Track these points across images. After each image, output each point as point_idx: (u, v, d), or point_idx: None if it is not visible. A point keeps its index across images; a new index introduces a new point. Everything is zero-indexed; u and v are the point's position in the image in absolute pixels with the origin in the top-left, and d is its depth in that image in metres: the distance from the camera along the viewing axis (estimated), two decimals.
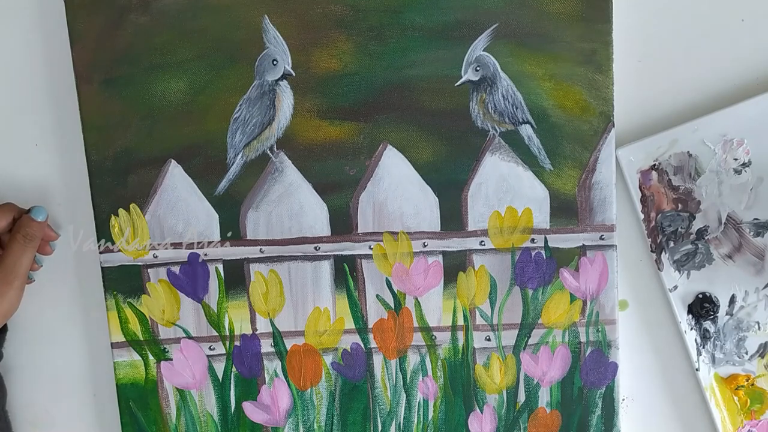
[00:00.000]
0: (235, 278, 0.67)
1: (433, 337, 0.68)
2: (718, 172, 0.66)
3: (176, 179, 0.66)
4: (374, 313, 0.68)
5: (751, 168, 0.66)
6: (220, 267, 0.67)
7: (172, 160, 0.65)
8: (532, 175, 0.66)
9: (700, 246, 0.67)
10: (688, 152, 0.66)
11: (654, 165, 0.66)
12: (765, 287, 0.67)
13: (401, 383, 0.68)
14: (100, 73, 0.64)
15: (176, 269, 0.67)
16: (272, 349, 0.68)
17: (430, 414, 0.69)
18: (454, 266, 0.67)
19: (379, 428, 0.69)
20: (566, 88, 0.65)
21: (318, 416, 0.69)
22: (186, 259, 0.67)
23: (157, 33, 0.64)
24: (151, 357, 0.67)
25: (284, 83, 0.65)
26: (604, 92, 0.64)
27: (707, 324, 0.68)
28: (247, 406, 0.68)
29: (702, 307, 0.67)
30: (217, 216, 0.66)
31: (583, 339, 0.67)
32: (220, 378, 0.68)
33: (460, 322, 0.68)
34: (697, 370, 0.68)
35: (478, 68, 0.64)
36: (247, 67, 0.65)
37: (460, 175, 0.66)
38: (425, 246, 0.67)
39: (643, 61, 0.66)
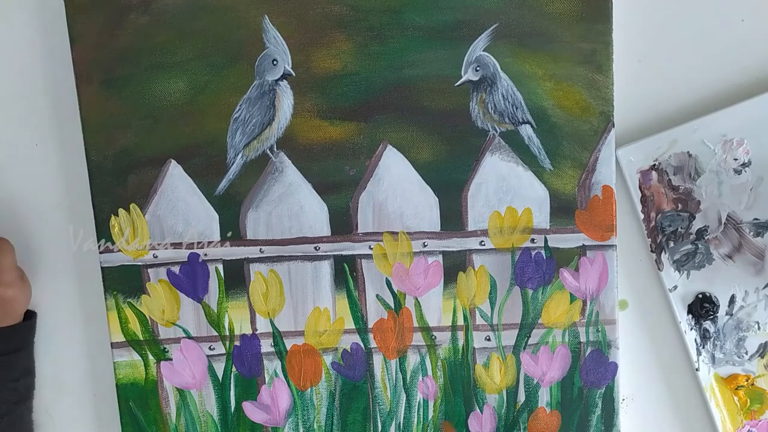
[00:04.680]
0: (235, 278, 0.67)
1: (433, 337, 0.68)
2: (718, 172, 0.66)
3: (176, 179, 0.66)
4: (374, 313, 0.68)
5: (751, 168, 0.66)
6: (220, 267, 0.67)
7: (172, 160, 0.65)
8: (532, 175, 0.66)
9: (700, 246, 0.67)
10: (688, 152, 0.66)
11: (654, 165, 0.66)
12: (765, 287, 0.67)
13: (401, 383, 0.68)
14: (100, 73, 0.64)
15: (176, 269, 0.67)
16: (272, 349, 0.68)
17: (430, 414, 0.69)
18: (454, 266, 0.67)
19: (379, 428, 0.69)
20: (566, 88, 0.65)
21: (318, 416, 0.69)
22: (186, 259, 0.67)
23: (157, 33, 0.64)
24: (151, 357, 0.67)
25: (284, 83, 0.65)
26: (604, 92, 0.64)
27: (707, 324, 0.68)
28: (247, 406, 0.68)
29: (702, 307, 0.67)
30: (217, 216, 0.66)
31: (583, 339, 0.67)
32: (220, 378, 0.68)
33: (460, 322, 0.68)
34: (697, 370, 0.68)
35: (478, 68, 0.64)
36: (247, 67, 0.65)
37: (460, 175, 0.66)
38: (425, 246, 0.67)
39: (643, 61, 0.66)
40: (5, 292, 0.62)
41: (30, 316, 0.67)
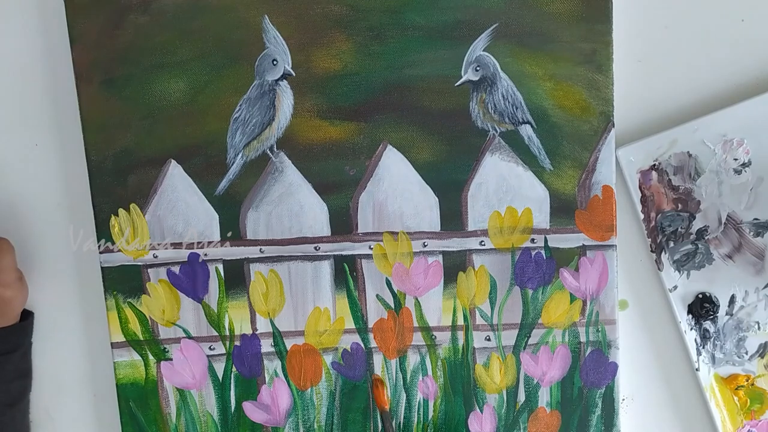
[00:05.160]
0: (235, 278, 0.67)
1: (433, 337, 0.68)
2: (718, 172, 0.66)
3: (176, 179, 0.66)
4: (374, 312, 0.68)
5: (751, 168, 0.66)
6: (220, 267, 0.67)
7: (172, 160, 0.65)
8: (532, 175, 0.66)
9: (700, 246, 0.67)
10: (688, 152, 0.66)
11: (654, 165, 0.66)
12: (765, 287, 0.67)
13: (401, 383, 0.68)
14: (100, 73, 0.64)
15: (176, 269, 0.67)
16: (272, 349, 0.68)
17: (430, 414, 0.69)
18: (454, 266, 0.67)
19: (379, 428, 0.69)
20: (566, 88, 0.65)
21: (318, 416, 0.69)
22: (186, 259, 0.67)
23: (157, 33, 0.64)
24: (151, 357, 0.67)
25: (284, 83, 0.65)
26: (604, 92, 0.64)
27: (707, 324, 0.68)
28: (247, 406, 0.68)
29: (702, 307, 0.67)
30: (217, 216, 0.66)
31: (583, 339, 0.67)
32: (220, 378, 0.68)
33: (460, 322, 0.68)
34: (697, 370, 0.68)
35: (478, 68, 0.64)
36: (247, 67, 0.65)
37: (460, 175, 0.66)
38: (425, 246, 0.67)
39: (643, 61, 0.66)
40: (4, 292, 0.62)
41: (26, 316, 0.67)
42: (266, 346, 0.68)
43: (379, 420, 0.68)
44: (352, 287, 0.67)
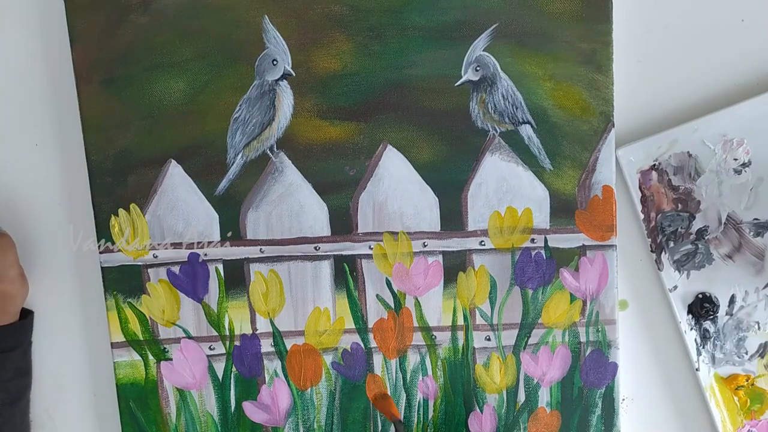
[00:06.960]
0: (235, 278, 0.67)
1: (433, 337, 0.68)
2: (718, 172, 0.66)
3: (176, 179, 0.66)
4: (374, 312, 0.68)
5: (751, 168, 0.66)
6: (220, 267, 0.67)
7: (172, 160, 0.65)
8: (532, 175, 0.66)
9: (700, 246, 0.67)
10: (688, 152, 0.66)
11: (654, 165, 0.66)
12: (765, 287, 0.67)
13: (401, 383, 0.68)
14: (100, 73, 0.64)
15: (176, 269, 0.67)
16: (272, 349, 0.68)
17: (430, 414, 0.69)
18: (454, 266, 0.67)
19: (379, 428, 0.69)
20: (566, 88, 0.65)
21: (318, 416, 0.69)
22: (186, 259, 0.67)
23: (157, 33, 0.64)
24: (151, 357, 0.67)
25: (284, 83, 0.65)
26: (604, 92, 0.64)
27: (707, 324, 0.68)
28: (247, 406, 0.68)
29: (702, 307, 0.67)
30: (217, 216, 0.66)
31: (583, 339, 0.67)
32: (220, 378, 0.68)
33: (460, 322, 0.68)
34: (697, 370, 0.68)
35: (478, 68, 0.64)
36: (247, 67, 0.65)
37: (460, 175, 0.66)
38: (425, 246, 0.67)
39: (643, 61, 0.66)
40: (6, 288, 0.63)
41: (26, 315, 0.67)
42: (266, 346, 0.68)
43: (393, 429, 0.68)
44: (352, 287, 0.67)
